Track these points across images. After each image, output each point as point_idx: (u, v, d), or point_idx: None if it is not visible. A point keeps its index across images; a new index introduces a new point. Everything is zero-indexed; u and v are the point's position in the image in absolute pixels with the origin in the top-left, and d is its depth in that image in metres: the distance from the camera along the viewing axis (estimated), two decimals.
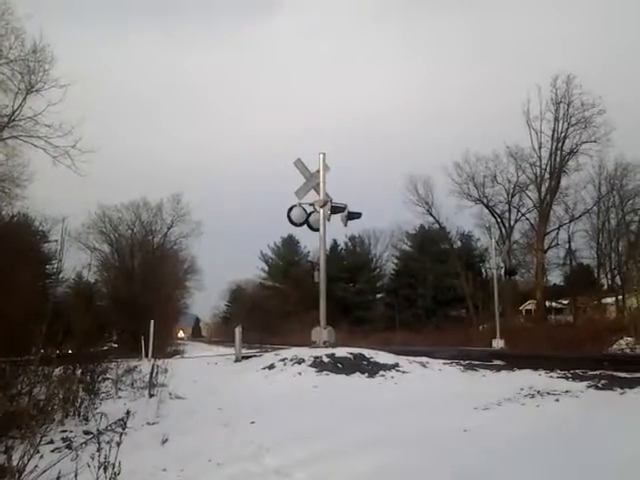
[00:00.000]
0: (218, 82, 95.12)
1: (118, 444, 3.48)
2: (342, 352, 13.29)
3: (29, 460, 3.72)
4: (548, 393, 8.88)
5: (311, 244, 51.22)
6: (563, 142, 37.45)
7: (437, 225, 47.17)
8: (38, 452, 4.06)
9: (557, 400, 8.34)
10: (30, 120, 25.18)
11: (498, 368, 13.22)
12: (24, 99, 25.22)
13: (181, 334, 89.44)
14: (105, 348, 11.40)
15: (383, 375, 11.85)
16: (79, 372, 7.88)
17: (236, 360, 15.54)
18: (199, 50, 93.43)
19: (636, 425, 6.33)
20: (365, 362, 12.71)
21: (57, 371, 7.28)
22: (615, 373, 10.91)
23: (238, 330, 16.43)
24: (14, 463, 3.44)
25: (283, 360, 12.92)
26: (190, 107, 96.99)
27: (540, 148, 38.35)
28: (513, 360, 14.44)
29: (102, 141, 46.21)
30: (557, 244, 40.53)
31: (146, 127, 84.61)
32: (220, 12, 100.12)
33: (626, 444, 5.28)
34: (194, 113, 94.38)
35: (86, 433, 5.89)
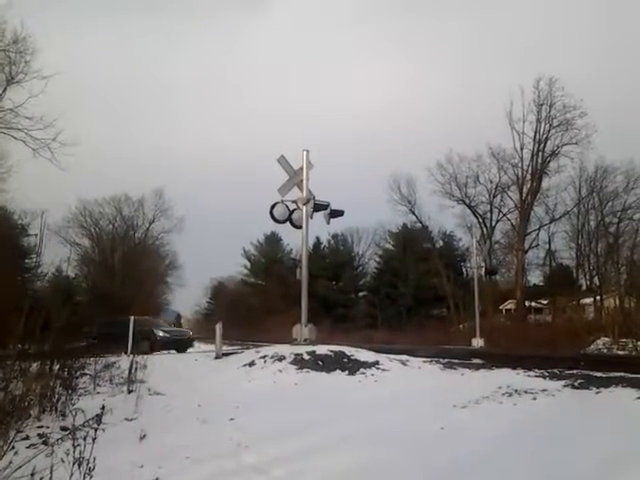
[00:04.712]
0: (202, 77, 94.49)
1: (93, 439, 3.46)
2: (323, 350, 13.30)
3: (3, 456, 3.69)
4: (525, 392, 8.98)
5: (294, 241, 51.05)
6: (545, 144, 37.89)
7: (419, 224, 47.48)
8: (13, 448, 4.03)
9: (534, 399, 8.44)
10: (10, 112, 24.89)
11: (477, 367, 13.33)
12: (4, 90, 24.92)
13: None
14: (84, 343, 11.27)
15: (363, 373, 11.89)
16: (57, 367, 7.80)
17: (216, 357, 15.48)
18: (184, 43, 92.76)
19: (608, 424, 6.43)
20: (346, 360, 12.74)
21: (34, 366, 7.21)
22: (591, 372, 11.06)
23: (219, 327, 16.38)
24: None
25: (264, 357, 12.90)
26: (174, 103, 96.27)
27: (522, 149, 38.74)
28: (492, 359, 14.57)
29: (84, 134, 45.69)
30: (537, 245, 41.06)
31: (129, 122, 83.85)
32: (208, 7, 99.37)
33: (598, 443, 5.37)
34: (178, 109, 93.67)
35: (63, 429, 5.84)
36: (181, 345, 21.38)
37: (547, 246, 41.12)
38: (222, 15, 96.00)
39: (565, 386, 9.59)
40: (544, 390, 9.14)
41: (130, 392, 8.77)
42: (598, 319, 30.85)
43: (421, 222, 46.81)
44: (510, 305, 44.06)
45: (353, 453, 5.14)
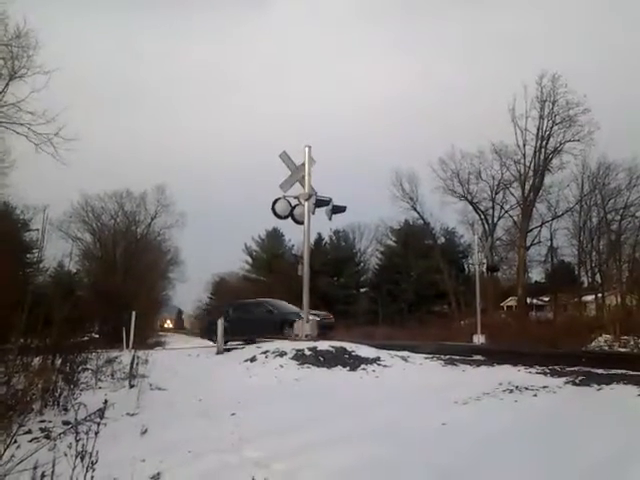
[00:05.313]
0: (203, 72, 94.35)
1: (96, 434, 3.48)
2: (324, 345, 13.31)
3: (6, 450, 3.69)
4: (526, 388, 8.97)
5: (296, 237, 51.23)
6: (547, 140, 37.86)
7: (421, 221, 47.54)
8: (15, 442, 4.04)
9: (535, 395, 8.44)
10: (13, 106, 24.85)
11: (478, 363, 13.31)
12: (7, 85, 24.88)
13: (168, 323, 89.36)
14: (86, 338, 11.30)
15: (364, 369, 11.90)
16: (59, 362, 7.82)
17: (218, 352, 15.50)
18: (186, 39, 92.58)
19: (610, 421, 6.43)
20: (347, 356, 12.74)
21: (36, 360, 7.23)
22: (593, 369, 11.03)
23: (220, 322, 16.38)
24: None
25: (265, 353, 12.92)
26: (176, 99, 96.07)
27: (525, 146, 38.77)
28: (493, 355, 14.55)
29: (86, 130, 45.70)
30: (539, 241, 41.05)
31: (131, 117, 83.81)
32: (208, 3, 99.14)
33: (599, 440, 5.37)
34: (180, 105, 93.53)
35: (65, 423, 5.85)
36: (328, 330, 19.54)
37: (549, 243, 41.18)
38: (223, 11, 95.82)
39: (566, 383, 9.58)
40: (545, 387, 9.13)
41: (132, 387, 8.80)
42: (600, 316, 30.86)
43: (423, 218, 46.91)
44: (511, 302, 44.08)
45: (354, 449, 5.14)
